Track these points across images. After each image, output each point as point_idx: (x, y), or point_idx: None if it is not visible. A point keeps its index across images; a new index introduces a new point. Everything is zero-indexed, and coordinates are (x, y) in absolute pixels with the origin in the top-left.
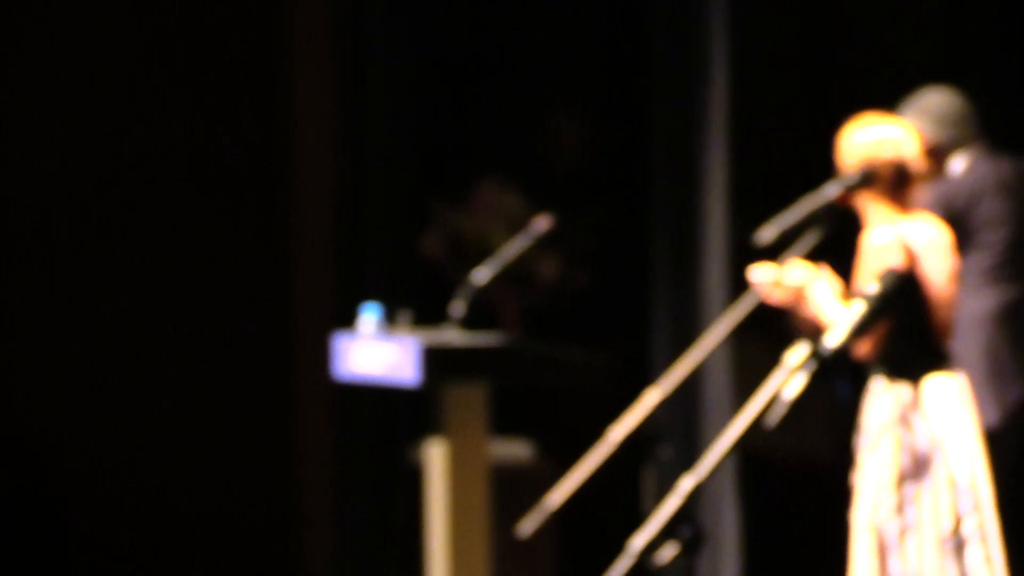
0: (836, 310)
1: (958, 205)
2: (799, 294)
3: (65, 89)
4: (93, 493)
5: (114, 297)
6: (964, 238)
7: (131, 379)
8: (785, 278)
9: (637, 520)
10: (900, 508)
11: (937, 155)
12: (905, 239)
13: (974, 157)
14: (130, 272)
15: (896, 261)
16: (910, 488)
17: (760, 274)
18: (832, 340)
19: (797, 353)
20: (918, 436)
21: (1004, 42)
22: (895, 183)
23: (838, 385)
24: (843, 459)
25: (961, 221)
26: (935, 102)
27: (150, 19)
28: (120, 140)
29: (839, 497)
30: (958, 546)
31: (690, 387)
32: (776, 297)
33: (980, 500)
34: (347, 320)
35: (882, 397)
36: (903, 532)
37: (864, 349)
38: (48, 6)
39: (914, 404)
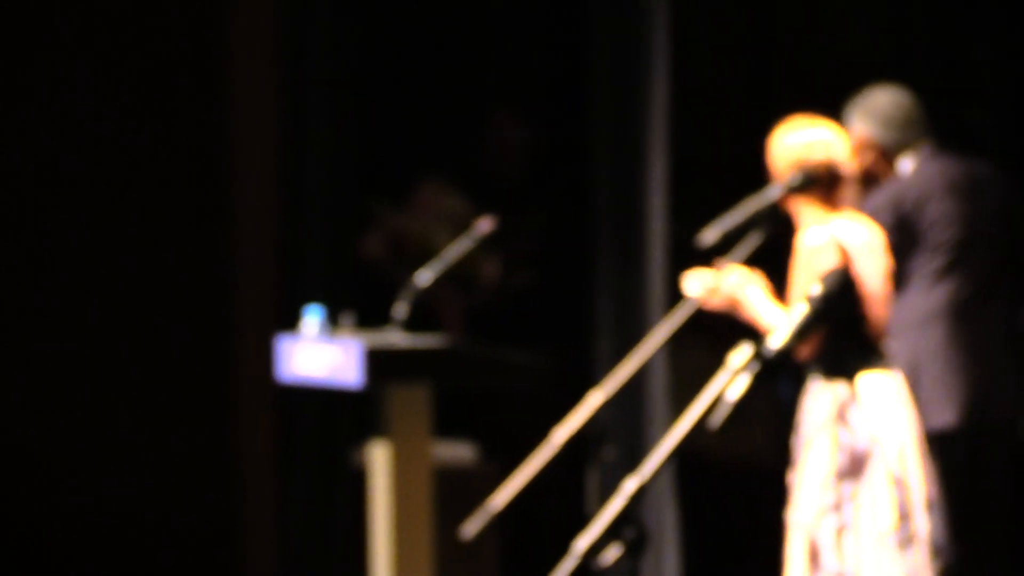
0: (773, 312)
1: (908, 206)
2: (734, 299)
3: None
4: (27, 497)
5: (62, 303)
6: (914, 238)
7: (74, 378)
8: (720, 284)
9: (581, 521)
10: (837, 506)
11: (886, 155)
12: (839, 239)
13: (922, 157)
14: (75, 276)
15: (831, 261)
16: (847, 486)
17: (695, 282)
18: (775, 341)
19: (740, 355)
20: (856, 434)
21: (938, 45)
22: (827, 185)
23: (781, 386)
24: (783, 459)
25: (911, 221)
26: (884, 102)
27: (86, 24)
28: (61, 142)
29: (778, 497)
30: (903, 542)
31: (633, 389)
32: (713, 303)
33: (911, 499)
34: (290, 322)
35: (820, 396)
36: (840, 530)
37: (804, 350)
38: None
39: (852, 401)
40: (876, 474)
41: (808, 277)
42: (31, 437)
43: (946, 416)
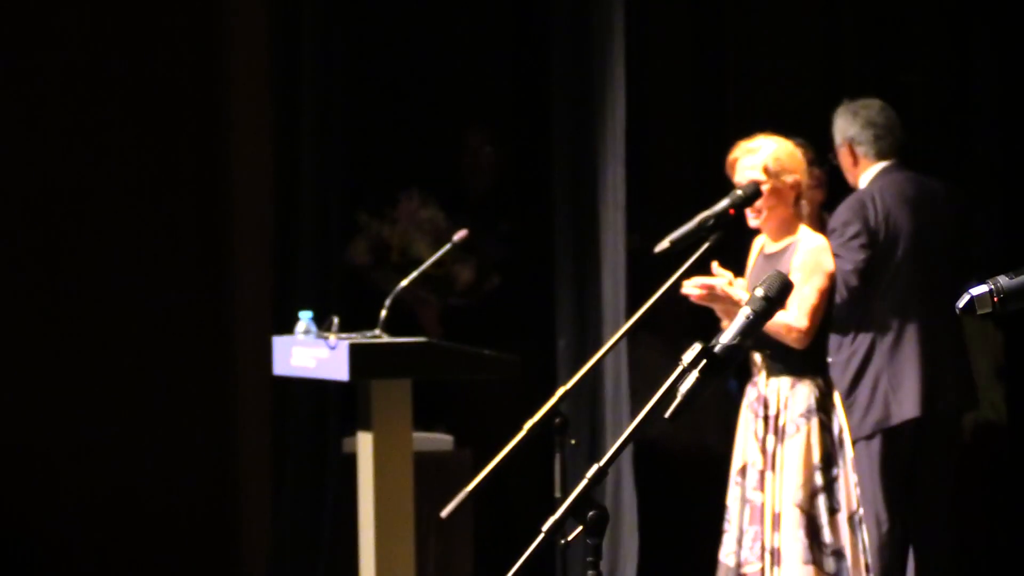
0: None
1: (872, 217)
2: (731, 299)
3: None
4: (39, 485)
5: (84, 302)
6: (876, 246)
7: (95, 376)
8: (717, 285)
9: (547, 503)
10: (828, 487)
11: (858, 160)
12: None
13: (883, 171)
14: (99, 282)
15: (830, 263)
16: (834, 470)
17: (695, 283)
18: (724, 340)
19: (691, 352)
20: (833, 424)
21: (869, 72)
22: (795, 196)
23: (729, 381)
24: (727, 447)
25: (875, 231)
26: (868, 112)
27: (94, 46)
28: (77, 159)
29: (723, 480)
30: (860, 522)
31: (594, 383)
32: (706, 300)
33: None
34: (286, 324)
35: (799, 390)
36: (832, 510)
37: (804, 342)
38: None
39: (830, 394)
40: (847, 460)
41: (813, 275)
42: (59, 425)
43: (907, 408)
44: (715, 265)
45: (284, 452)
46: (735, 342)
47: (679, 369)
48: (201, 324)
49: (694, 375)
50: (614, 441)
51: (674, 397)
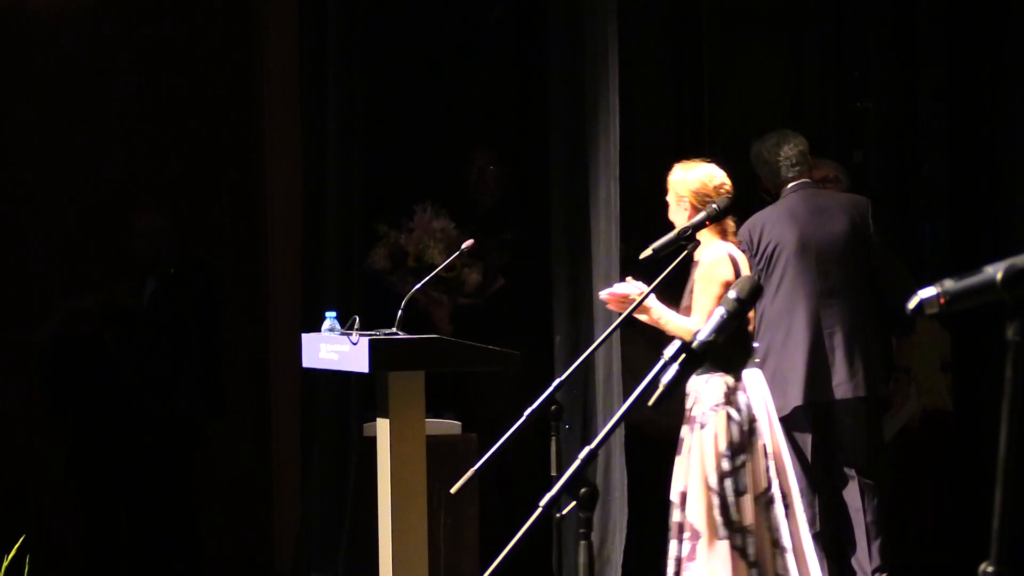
0: (673, 315)
1: (755, 231)
2: (642, 306)
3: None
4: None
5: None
6: (756, 255)
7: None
8: (631, 295)
9: (544, 481)
10: (735, 472)
11: (770, 187)
12: (732, 255)
13: (787, 192)
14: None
15: (728, 272)
16: (740, 456)
17: (607, 293)
18: (701, 337)
19: (672, 348)
20: (742, 415)
21: (829, 99)
22: (724, 213)
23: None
24: None
25: (754, 242)
26: (770, 145)
27: (148, 78)
28: (134, 171)
29: None
30: (768, 502)
31: (585, 375)
32: (621, 309)
33: (783, 465)
34: (313, 323)
35: (713, 384)
36: (739, 492)
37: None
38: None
39: (738, 389)
40: (757, 447)
41: (709, 285)
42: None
43: (792, 398)
44: (629, 278)
45: (312, 435)
46: (711, 338)
47: (661, 362)
48: (242, 323)
49: (674, 368)
50: (604, 426)
51: (657, 387)
